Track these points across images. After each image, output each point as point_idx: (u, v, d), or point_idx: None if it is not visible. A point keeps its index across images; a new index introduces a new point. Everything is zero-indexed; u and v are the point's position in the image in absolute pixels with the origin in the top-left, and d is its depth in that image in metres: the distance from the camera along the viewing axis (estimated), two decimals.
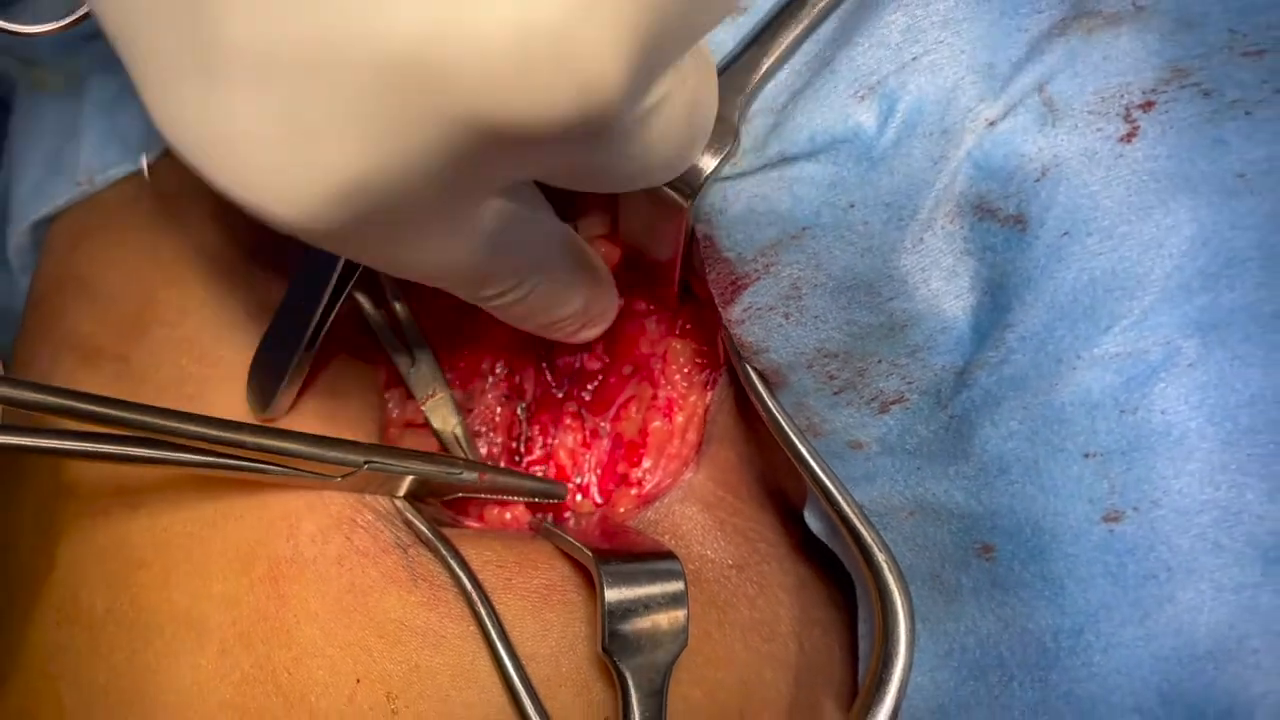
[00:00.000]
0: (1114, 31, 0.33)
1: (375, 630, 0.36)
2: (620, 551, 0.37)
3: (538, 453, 0.45)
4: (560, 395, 0.46)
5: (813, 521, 0.39)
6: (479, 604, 0.36)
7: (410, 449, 0.39)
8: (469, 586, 0.37)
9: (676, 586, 0.36)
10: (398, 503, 0.39)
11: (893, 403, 0.36)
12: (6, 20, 0.38)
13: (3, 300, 0.58)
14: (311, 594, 0.36)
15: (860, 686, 0.37)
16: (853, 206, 0.34)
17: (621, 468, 0.45)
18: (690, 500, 0.42)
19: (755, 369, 0.38)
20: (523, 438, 0.46)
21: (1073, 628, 0.32)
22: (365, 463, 0.36)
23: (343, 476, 0.36)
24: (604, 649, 0.35)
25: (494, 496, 0.42)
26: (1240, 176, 0.32)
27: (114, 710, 0.37)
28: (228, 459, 0.34)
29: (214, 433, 0.33)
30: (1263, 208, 0.32)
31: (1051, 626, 0.33)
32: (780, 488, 0.43)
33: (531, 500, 0.43)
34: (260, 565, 0.37)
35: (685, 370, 0.44)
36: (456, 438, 0.43)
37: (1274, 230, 0.32)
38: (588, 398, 0.46)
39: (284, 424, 0.39)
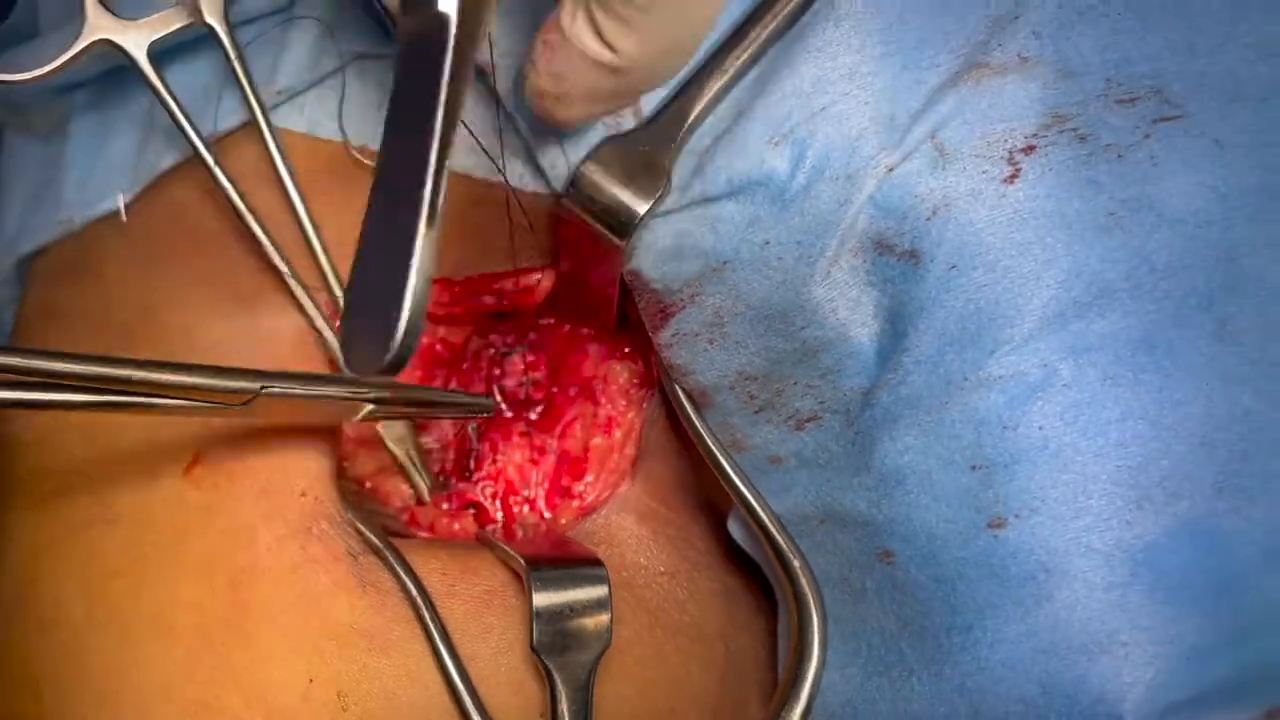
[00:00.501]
0: (1000, 81, 0.36)
1: (327, 633, 0.39)
2: (550, 558, 0.40)
3: (487, 468, 0.48)
4: (510, 415, 0.49)
5: (735, 530, 0.42)
6: (423, 609, 0.39)
7: (310, 372, 0.40)
8: (414, 592, 0.39)
9: (601, 590, 0.39)
10: (349, 514, 0.41)
11: (807, 420, 0.39)
12: None
13: None
14: (269, 600, 0.39)
15: (779, 684, 0.40)
16: (768, 243, 0.37)
17: (565, 481, 0.47)
18: (626, 511, 0.45)
19: (684, 389, 0.41)
20: (474, 454, 0.48)
21: (963, 625, 0.35)
22: (261, 388, 0.35)
23: (242, 404, 0.35)
24: (533, 648, 0.37)
25: (424, 415, 0.43)
26: (1111, 215, 0.35)
27: (89, 708, 0.39)
28: (120, 394, 0.33)
29: (102, 370, 0.31)
30: (1131, 243, 0.35)
31: (945, 624, 0.36)
32: (710, 500, 0.46)
33: (460, 417, 0.43)
34: (222, 573, 0.39)
35: (625, 389, 0.47)
36: (410, 456, 0.46)
37: (1141, 263, 0.35)
38: (534, 417, 0.49)
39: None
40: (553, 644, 0.38)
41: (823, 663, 0.39)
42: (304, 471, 0.41)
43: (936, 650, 0.36)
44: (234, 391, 0.34)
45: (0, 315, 0.59)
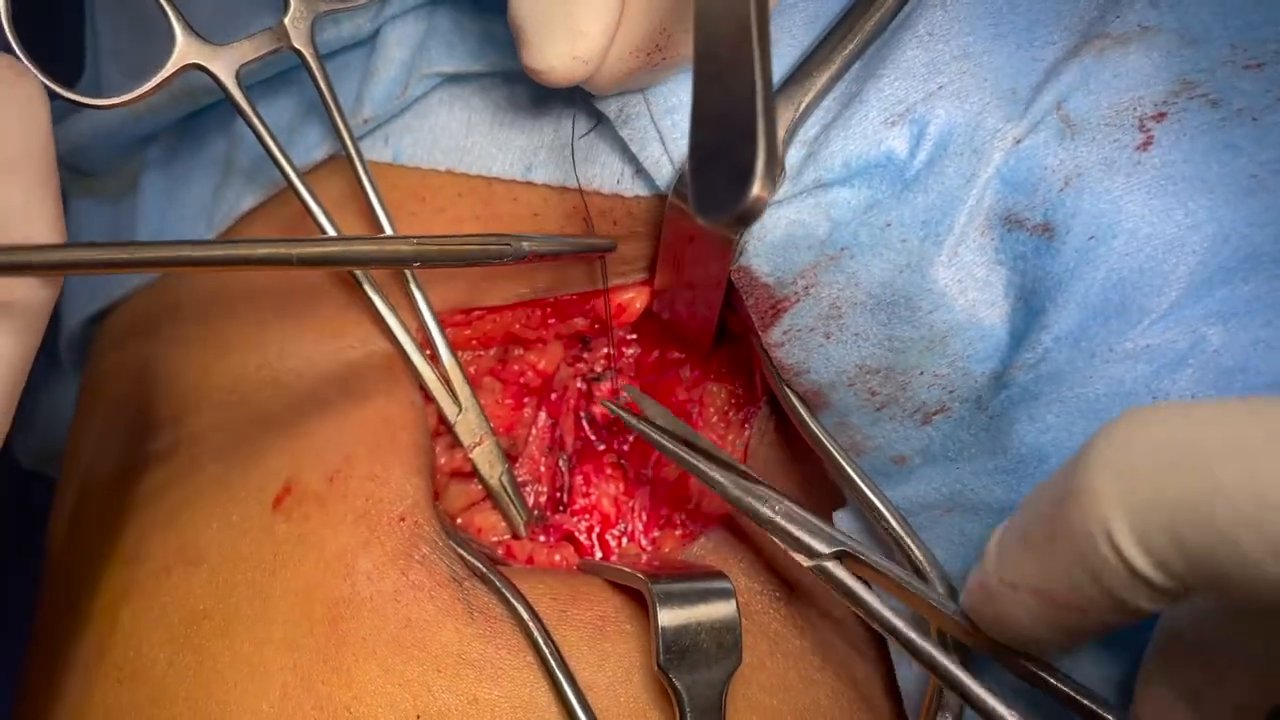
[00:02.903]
0: (1123, 51, 0.35)
1: (433, 665, 0.36)
2: (671, 573, 0.37)
3: (581, 503, 0.46)
4: (600, 447, 0.47)
5: (845, 523, 0.40)
6: (538, 635, 0.36)
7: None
8: (527, 618, 0.37)
9: (729, 603, 0.36)
10: (451, 539, 0.39)
11: (935, 413, 0.37)
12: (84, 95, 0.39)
13: (53, 397, 0.59)
14: (369, 632, 0.37)
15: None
16: (889, 226, 0.36)
17: (665, 510, 0.45)
18: (734, 534, 0.42)
19: (796, 392, 0.39)
20: (566, 488, 0.46)
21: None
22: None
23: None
24: (659, 666, 0.35)
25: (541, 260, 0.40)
26: (1254, 177, 0.34)
27: None
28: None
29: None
30: (1276, 204, 0.33)
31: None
32: (824, 517, 0.43)
33: (577, 253, 0.41)
34: (319, 607, 0.37)
35: (723, 411, 0.45)
36: (503, 486, 0.43)
37: None
38: (626, 448, 0.47)
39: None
40: (680, 663, 0.35)
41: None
42: (401, 495, 0.39)
43: None
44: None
45: (66, 379, 0.58)
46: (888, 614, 0.34)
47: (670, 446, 0.40)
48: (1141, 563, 0.25)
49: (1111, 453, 0.26)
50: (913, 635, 0.33)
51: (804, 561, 0.37)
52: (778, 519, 0.37)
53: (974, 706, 0.32)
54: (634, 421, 0.41)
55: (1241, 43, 0.35)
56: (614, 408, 0.42)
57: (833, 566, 0.36)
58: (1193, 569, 0.25)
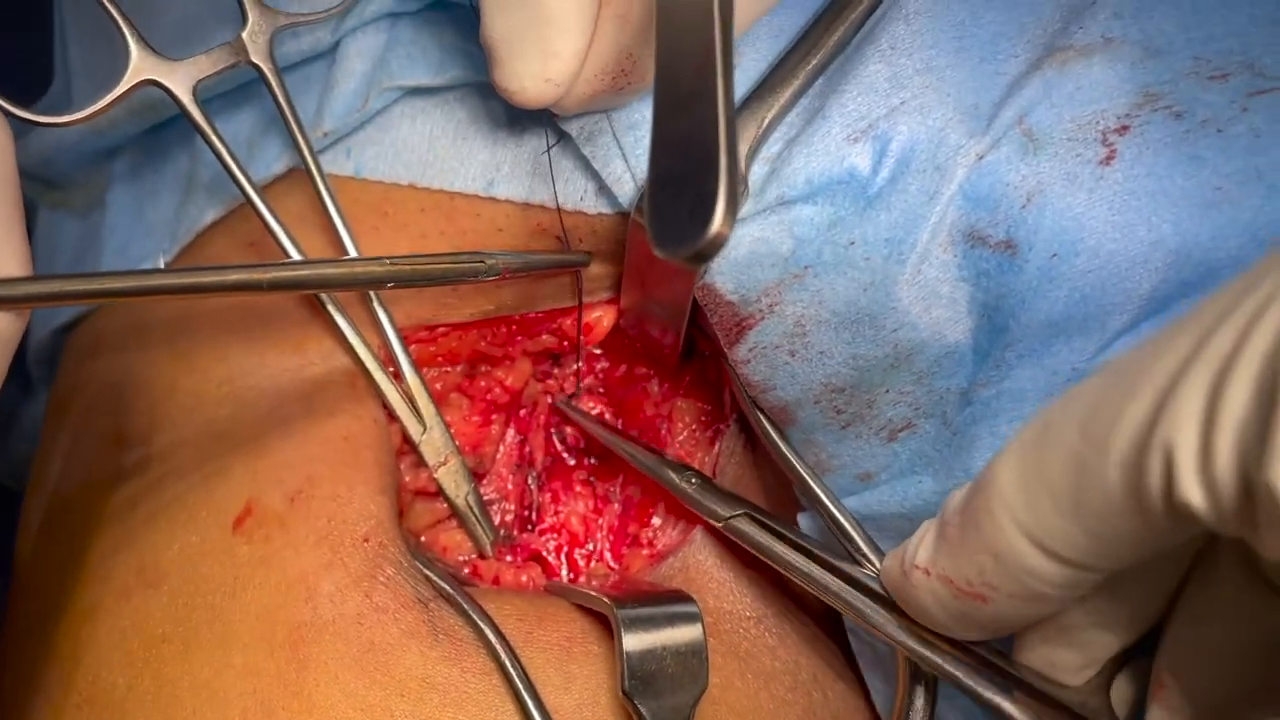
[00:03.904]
0: (1086, 62, 0.35)
1: (397, 689, 0.36)
2: (636, 597, 0.37)
3: (549, 520, 0.46)
4: (571, 463, 0.46)
5: (805, 524, 0.40)
6: (504, 657, 0.36)
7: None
8: (494, 640, 0.36)
9: (694, 627, 0.36)
10: (416, 560, 0.39)
11: (901, 430, 0.37)
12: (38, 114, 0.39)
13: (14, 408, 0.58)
14: (331, 656, 0.36)
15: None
16: (853, 244, 0.36)
17: (632, 528, 0.45)
18: (704, 554, 0.42)
19: (763, 408, 0.39)
20: (534, 506, 0.46)
21: None
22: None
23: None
24: (624, 692, 0.34)
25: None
26: (1218, 189, 0.34)
27: None
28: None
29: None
30: (1241, 217, 0.33)
31: None
32: None
33: (555, 269, 0.41)
34: (280, 631, 0.37)
35: (691, 428, 0.45)
36: (469, 506, 0.43)
37: (1250, 239, 0.33)
38: (596, 463, 0.46)
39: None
40: (646, 689, 0.35)
41: (934, 700, 0.36)
42: (364, 516, 0.38)
43: None
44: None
45: (35, 394, 0.57)
46: (798, 561, 0.37)
47: (602, 431, 0.44)
48: (1037, 547, 0.26)
49: (1017, 442, 0.27)
50: (827, 577, 0.36)
51: (715, 522, 0.39)
52: (689, 489, 0.40)
53: (890, 640, 0.34)
54: (573, 412, 0.44)
55: (1205, 54, 0.35)
56: (562, 403, 0.44)
57: (741, 524, 0.38)
58: (1074, 548, 0.26)
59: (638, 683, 0.34)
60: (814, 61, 0.37)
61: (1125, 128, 0.34)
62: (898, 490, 0.37)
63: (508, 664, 0.36)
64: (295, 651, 0.36)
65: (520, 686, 0.36)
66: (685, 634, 0.36)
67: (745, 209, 0.37)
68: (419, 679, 0.36)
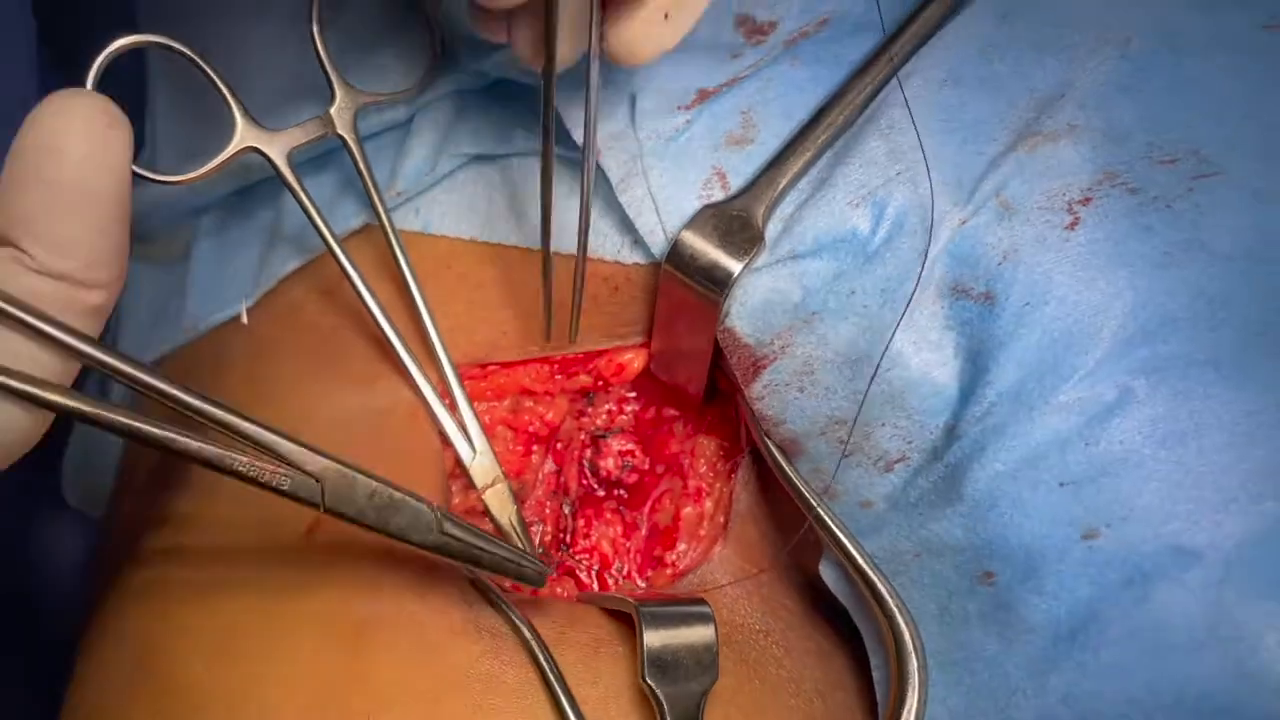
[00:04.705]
0: (1054, 146, 0.41)
1: (445, 679, 0.40)
2: (658, 599, 0.41)
3: (582, 544, 0.50)
4: (601, 494, 0.52)
5: (827, 574, 0.44)
6: (539, 652, 0.41)
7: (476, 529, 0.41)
8: (529, 637, 0.41)
9: (708, 627, 0.41)
10: (464, 568, 0.44)
11: (896, 461, 0.42)
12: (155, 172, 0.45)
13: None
14: (389, 648, 0.41)
15: None
16: (854, 293, 0.41)
17: (657, 552, 0.50)
18: (719, 572, 0.47)
19: (775, 440, 0.44)
20: (569, 530, 0.51)
21: (1067, 633, 0.37)
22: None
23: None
24: (644, 679, 0.39)
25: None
26: (1166, 254, 0.39)
27: None
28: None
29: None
30: (1188, 277, 0.39)
31: (1050, 635, 0.37)
32: (799, 561, 0.48)
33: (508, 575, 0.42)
34: (344, 624, 0.41)
35: (712, 462, 0.50)
36: (513, 525, 0.48)
37: (1197, 296, 0.38)
38: (625, 495, 0.51)
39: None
40: (662, 677, 0.39)
41: (924, 699, 0.40)
42: None
43: (1042, 662, 0.37)
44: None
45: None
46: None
47: None
48: None
49: None
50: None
51: None
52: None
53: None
54: None
55: (1158, 142, 0.41)
56: None
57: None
58: None
59: (656, 671, 0.39)
60: (823, 138, 0.43)
61: (1088, 199, 0.40)
62: (903, 525, 0.42)
63: (541, 659, 0.41)
64: (358, 642, 0.41)
65: (552, 678, 0.40)
66: (700, 632, 0.40)
67: (761, 261, 0.42)
68: (463, 670, 0.40)
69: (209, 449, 0.35)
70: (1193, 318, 0.38)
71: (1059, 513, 0.38)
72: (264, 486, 0.36)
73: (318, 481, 0.37)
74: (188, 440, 0.34)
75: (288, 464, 0.36)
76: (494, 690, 0.40)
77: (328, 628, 0.41)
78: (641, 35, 0.36)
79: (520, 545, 0.48)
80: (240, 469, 0.35)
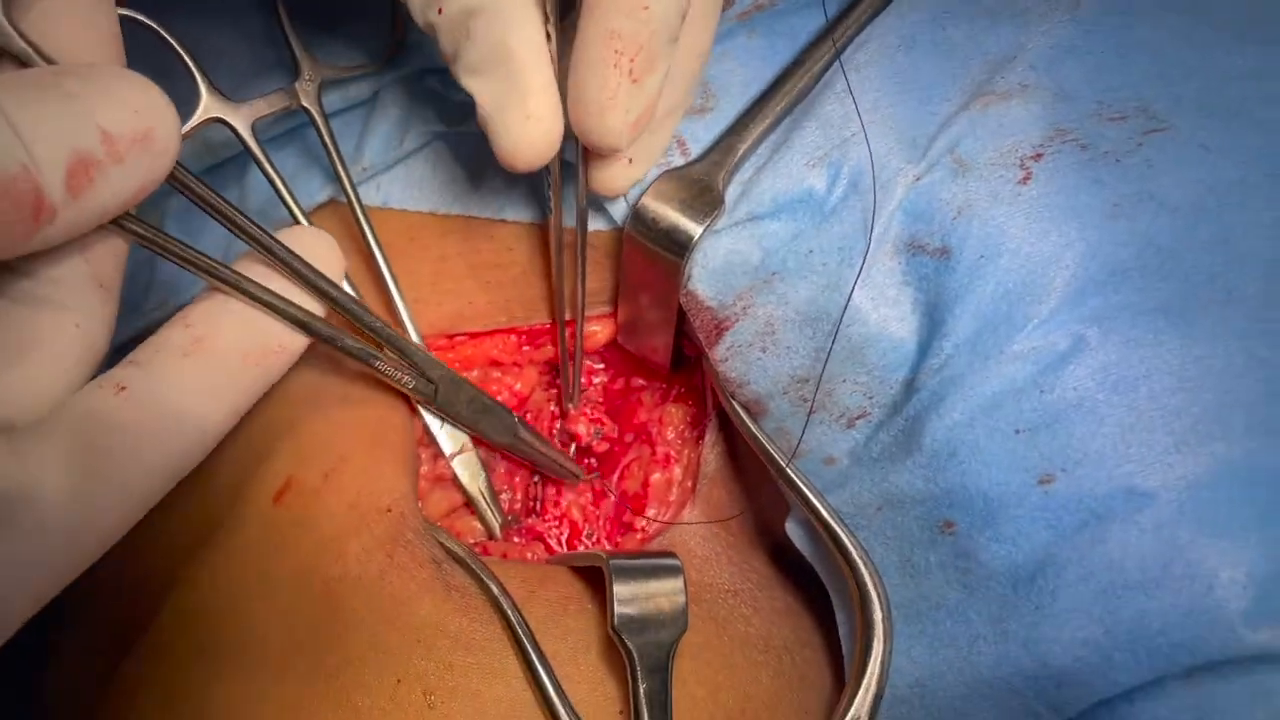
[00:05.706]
0: (1005, 104, 0.42)
1: (413, 635, 0.41)
2: (628, 554, 0.42)
3: (553, 511, 0.51)
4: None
5: (793, 531, 0.44)
6: (508, 609, 0.41)
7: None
8: (499, 594, 0.41)
9: (676, 579, 0.41)
10: (431, 528, 0.44)
11: (858, 417, 0.43)
12: None
13: None
14: (358, 605, 0.41)
15: (847, 678, 0.41)
16: (812, 252, 0.42)
17: (626, 517, 0.50)
18: (688, 534, 0.47)
19: (740, 401, 0.44)
20: (538, 498, 0.51)
21: (1026, 577, 0.38)
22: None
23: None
24: (613, 629, 0.39)
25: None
26: (1116, 206, 0.40)
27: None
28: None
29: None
30: (1137, 228, 0.39)
31: (1009, 578, 0.38)
32: (766, 523, 0.48)
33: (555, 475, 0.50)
34: (315, 583, 0.42)
35: (680, 429, 0.51)
36: (481, 493, 0.48)
37: (1147, 245, 0.39)
38: (595, 463, 0.52)
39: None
40: (631, 627, 0.40)
41: (889, 647, 0.41)
42: (388, 489, 0.44)
43: (1001, 608, 0.38)
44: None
45: None
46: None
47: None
48: None
49: None
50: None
51: None
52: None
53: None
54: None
55: (1106, 100, 0.42)
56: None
57: None
58: None
59: (625, 622, 0.39)
60: (781, 105, 0.44)
61: (1039, 155, 0.41)
62: (865, 479, 0.42)
63: (510, 615, 0.41)
64: (327, 601, 0.41)
65: (521, 633, 0.40)
66: (668, 583, 0.41)
67: (721, 223, 0.43)
68: (433, 626, 0.41)
69: (362, 348, 0.43)
70: (1142, 267, 0.39)
71: (1015, 459, 0.38)
72: (395, 382, 0.45)
73: (433, 384, 0.46)
74: (351, 341, 0.42)
75: (415, 369, 0.45)
76: (462, 647, 0.41)
77: (298, 587, 0.42)
78: (613, 176, 0.43)
79: (490, 513, 0.49)
80: (380, 366, 0.44)
